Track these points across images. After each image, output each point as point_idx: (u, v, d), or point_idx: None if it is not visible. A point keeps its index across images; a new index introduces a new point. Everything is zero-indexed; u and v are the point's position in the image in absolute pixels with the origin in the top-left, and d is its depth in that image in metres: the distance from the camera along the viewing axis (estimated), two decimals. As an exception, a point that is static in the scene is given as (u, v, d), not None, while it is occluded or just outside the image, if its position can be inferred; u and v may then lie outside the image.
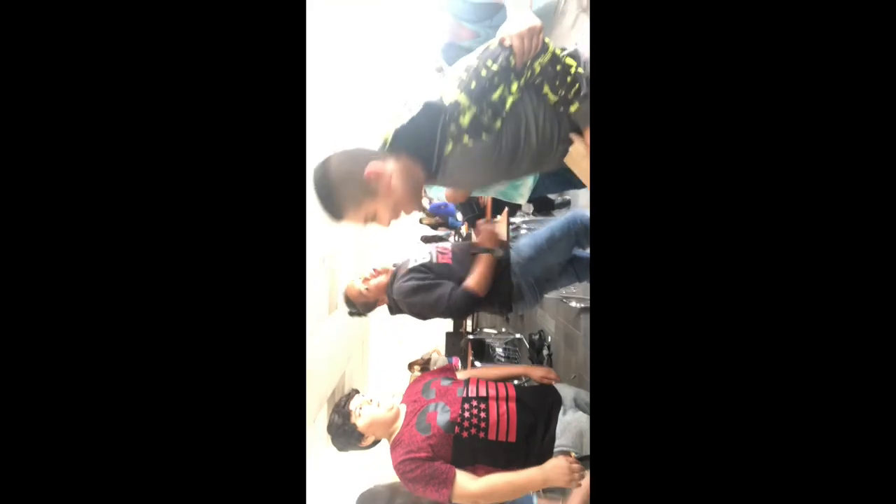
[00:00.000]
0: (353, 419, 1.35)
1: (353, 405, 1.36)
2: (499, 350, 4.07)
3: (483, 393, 1.37)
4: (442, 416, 1.31)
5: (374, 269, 1.60)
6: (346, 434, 1.36)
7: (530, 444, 1.32)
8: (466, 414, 1.32)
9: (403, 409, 1.41)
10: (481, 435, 1.31)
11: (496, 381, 1.47)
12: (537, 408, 1.37)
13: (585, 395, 1.44)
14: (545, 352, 3.39)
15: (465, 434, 1.30)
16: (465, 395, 1.37)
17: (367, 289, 1.56)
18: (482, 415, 1.32)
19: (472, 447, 1.31)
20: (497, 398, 1.36)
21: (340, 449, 1.40)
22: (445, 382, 1.43)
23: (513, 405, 1.35)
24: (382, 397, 1.41)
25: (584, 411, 1.37)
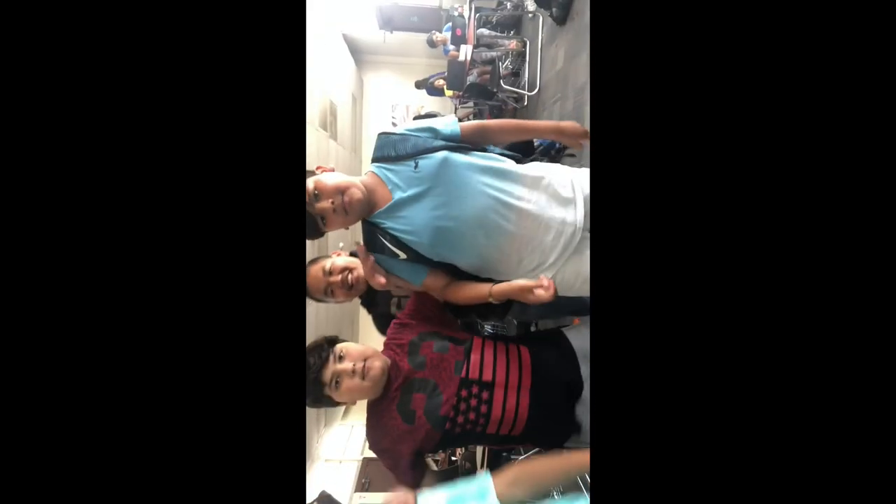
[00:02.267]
0: (328, 391, 1.02)
1: (327, 376, 1.01)
2: (487, 327, 4.12)
3: (488, 377, 1.02)
4: (431, 405, 1.01)
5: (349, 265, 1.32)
6: (318, 399, 1.05)
7: (539, 439, 1.07)
8: (462, 406, 1.01)
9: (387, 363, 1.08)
10: (478, 430, 1.03)
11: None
12: (555, 396, 1.05)
13: None
14: (532, 328, 3.42)
15: (457, 430, 1.02)
16: (463, 374, 1.03)
17: (331, 269, 1.28)
18: (483, 408, 1.01)
19: (464, 440, 1.06)
20: (506, 386, 1.02)
21: (311, 406, 1.08)
22: (440, 346, 1.08)
23: (525, 398, 1.02)
24: (369, 355, 1.07)
25: None
